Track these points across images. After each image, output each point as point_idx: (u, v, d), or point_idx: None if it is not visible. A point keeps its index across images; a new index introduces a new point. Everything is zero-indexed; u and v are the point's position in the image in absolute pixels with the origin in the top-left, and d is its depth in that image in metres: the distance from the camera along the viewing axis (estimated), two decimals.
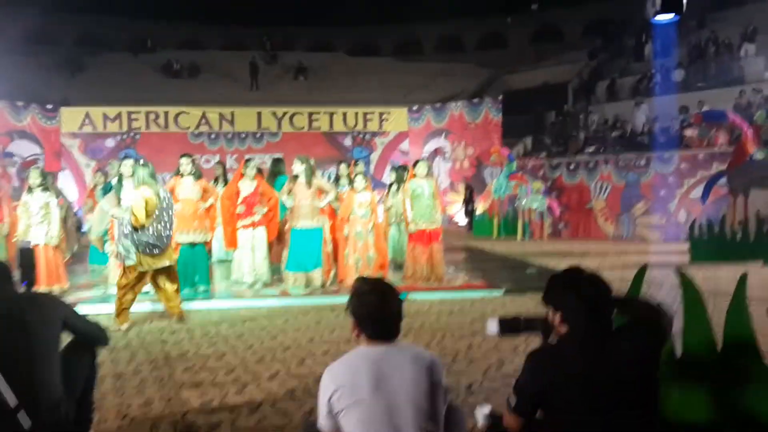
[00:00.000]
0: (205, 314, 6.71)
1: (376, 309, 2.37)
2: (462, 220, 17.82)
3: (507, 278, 8.44)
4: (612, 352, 2.26)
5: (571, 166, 15.10)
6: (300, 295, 7.51)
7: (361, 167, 9.12)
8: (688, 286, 3.38)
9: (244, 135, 19.18)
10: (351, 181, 8.39)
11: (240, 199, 7.96)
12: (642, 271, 3.48)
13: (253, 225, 7.95)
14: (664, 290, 3.58)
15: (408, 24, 30.16)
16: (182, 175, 7.71)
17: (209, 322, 6.31)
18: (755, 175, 10.92)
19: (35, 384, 2.68)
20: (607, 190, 14.24)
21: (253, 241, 7.96)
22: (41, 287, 7.32)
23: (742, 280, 3.29)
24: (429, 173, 8.49)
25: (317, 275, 7.87)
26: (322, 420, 2.34)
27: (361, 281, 2.51)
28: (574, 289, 2.32)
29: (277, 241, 8.56)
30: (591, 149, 15.70)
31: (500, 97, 19.13)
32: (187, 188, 7.67)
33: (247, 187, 7.99)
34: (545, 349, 2.41)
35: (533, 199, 14.13)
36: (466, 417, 2.61)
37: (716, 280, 7.29)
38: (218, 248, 9.56)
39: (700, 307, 3.35)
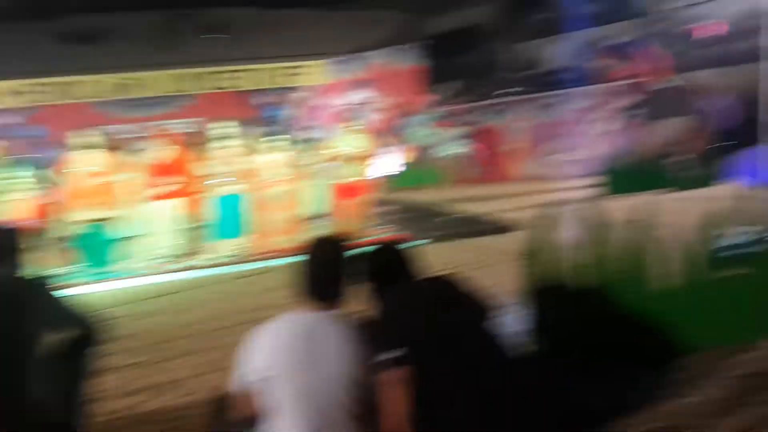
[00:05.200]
0: (110, 294, 6.51)
1: (301, 267, 2.32)
2: (385, 171, 17.78)
3: (432, 227, 8.53)
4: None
5: (490, 109, 15.22)
6: (221, 264, 7.40)
7: (272, 128, 9.01)
8: (596, 219, 3.49)
9: (157, 100, 18.43)
10: (264, 141, 8.25)
11: (155, 169, 7.67)
12: (551, 206, 3.55)
13: (168, 196, 7.67)
14: (577, 225, 3.68)
15: None
16: (82, 149, 7.39)
17: (115, 303, 6.09)
18: (664, 106, 11.27)
19: (10, 384, 2.43)
20: (526, 131, 14.44)
21: (167, 213, 7.70)
22: None
23: (646, 209, 3.47)
24: (357, 127, 8.48)
25: (240, 242, 7.75)
26: (242, 384, 2.27)
27: (306, 242, 2.45)
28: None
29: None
30: (509, 90, 15.83)
31: (421, 43, 18.96)
32: (87, 162, 7.32)
33: (162, 155, 7.72)
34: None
35: (455, 145, 14.22)
36: None
37: (630, 210, 7.53)
38: (126, 223, 9.22)
39: (608, 239, 3.47)
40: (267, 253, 7.58)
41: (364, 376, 2.24)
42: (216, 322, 5.14)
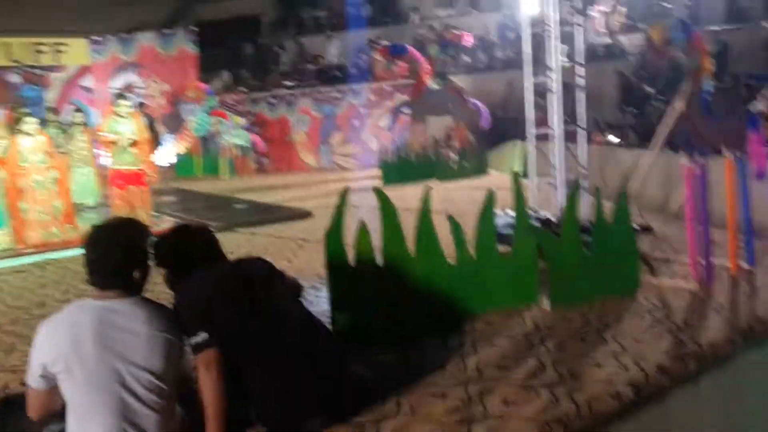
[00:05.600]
0: None
1: (91, 254, 2.18)
2: (163, 158, 16.87)
3: (216, 217, 8.38)
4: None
5: (271, 101, 15.21)
6: None
7: (29, 108, 8.09)
8: (384, 205, 3.70)
9: None
10: (15, 126, 7.36)
11: None
12: (344, 194, 3.66)
13: None
14: (362, 211, 3.86)
15: None
16: None
17: None
18: (431, 104, 12.29)
19: None
20: (307, 123, 14.72)
21: None
22: None
23: (426, 196, 3.80)
24: (130, 111, 7.84)
25: None
26: (34, 381, 2.13)
27: (94, 227, 2.28)
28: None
29: None
30: (289, 83, 15.94)
31: (194, 29, 18.19)
32: None
33: None
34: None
35: (236, 135, 14.02)
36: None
37: (404, 198, 8.09)
38: None
39: (396, 222, 3.70)
40: (36, 246, 6.82)
41: (168, 362, 2.18)
42: None
